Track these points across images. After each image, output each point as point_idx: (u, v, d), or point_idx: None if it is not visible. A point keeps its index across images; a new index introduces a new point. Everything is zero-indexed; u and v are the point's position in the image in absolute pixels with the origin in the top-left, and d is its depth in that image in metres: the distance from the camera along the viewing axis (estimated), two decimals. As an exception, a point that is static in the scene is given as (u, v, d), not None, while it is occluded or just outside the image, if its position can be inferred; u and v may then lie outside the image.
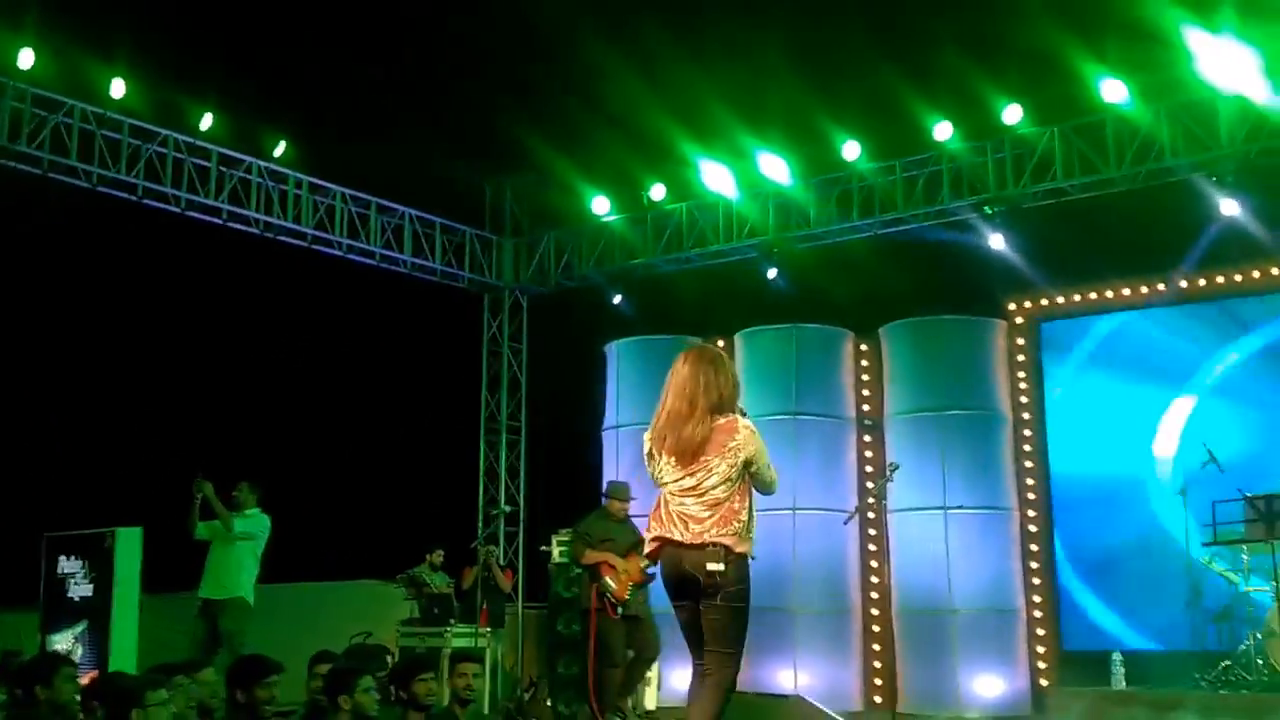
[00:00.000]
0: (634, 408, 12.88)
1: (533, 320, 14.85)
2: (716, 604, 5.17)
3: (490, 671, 11.03)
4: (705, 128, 12.32)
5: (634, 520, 9.67)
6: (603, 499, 10.01)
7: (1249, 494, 9.13)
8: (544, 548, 11.40)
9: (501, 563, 13.18)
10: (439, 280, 14.06)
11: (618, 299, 13.64)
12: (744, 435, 5.18)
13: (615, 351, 13.32)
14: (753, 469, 5.21)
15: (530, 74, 12.73)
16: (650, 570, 9.52)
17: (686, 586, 5.22)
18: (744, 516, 5.18)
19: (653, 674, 11.29)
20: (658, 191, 13.18)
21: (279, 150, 12.25)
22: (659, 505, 5.30)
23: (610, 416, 13.23)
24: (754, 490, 5.34)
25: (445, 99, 13.05)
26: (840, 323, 12.73)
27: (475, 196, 14.66)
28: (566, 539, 10.36)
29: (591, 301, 14.05)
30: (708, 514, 5.15)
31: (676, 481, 5.23)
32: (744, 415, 5.34)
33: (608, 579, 9.30)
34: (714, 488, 5.16)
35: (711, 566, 5.10)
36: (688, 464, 5.19)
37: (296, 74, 12.40)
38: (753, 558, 5.24)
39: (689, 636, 5.30)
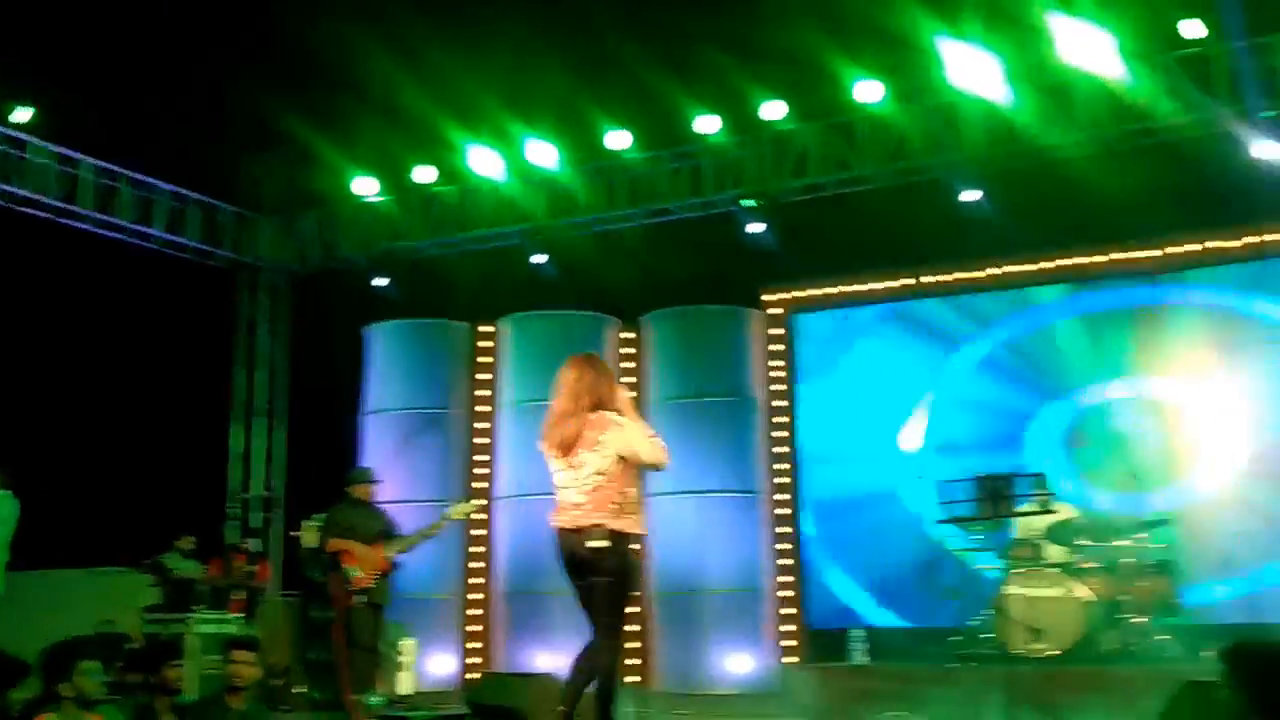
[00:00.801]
0: (395, 392, 12.74)
1: (292, 301, 14.49)
2: (600, 578, 5.68)
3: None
4: (473, 112, 12.31)
5: (383, 507, 9.74)
6: (346, 487, 10.01)
7: (979, 474, 9.62)
8: (294, 533, 11.24)
9: (254, 549, 12.89)
10: (193, 258, 13.58)
11: (380, 281, 13.42)
12: (612, 430, 5.76)
13: (376, 335, 13.12)
14: (627, 457, 5.74)
15: (291, 52, 12.43)
16: (395, 560, 9.60)
17: (578, 566, 5.73)
18: (616, 499, 5.71)
19: (408, 659, 11.23)
20: (424, 174, 13.06)
21: (23, 116, 11.63)
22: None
23: (371, 401, 13.02)
24: (645, 472, 5.95)
25: (206, 72, 12.62)
26: (607, 309, 12.87)
27: (234, 173, 14.22)
28: (317, 524, 10.24)
29: (355, 283, 13.80)
30: (586, 500, 5.71)
31: (560, 472, 5.84)
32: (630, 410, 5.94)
33: (349, 566, 9.34)
34: (589, 476, 5.73)
35: (592, 544, 5.64)
36: (566, 455, 5.80)
37: (43, 37, 11.80)
38: (642, 533, 5.82)
39: (583, 609, 5.78)
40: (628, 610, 5.88)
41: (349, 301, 13.80)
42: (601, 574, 5.69)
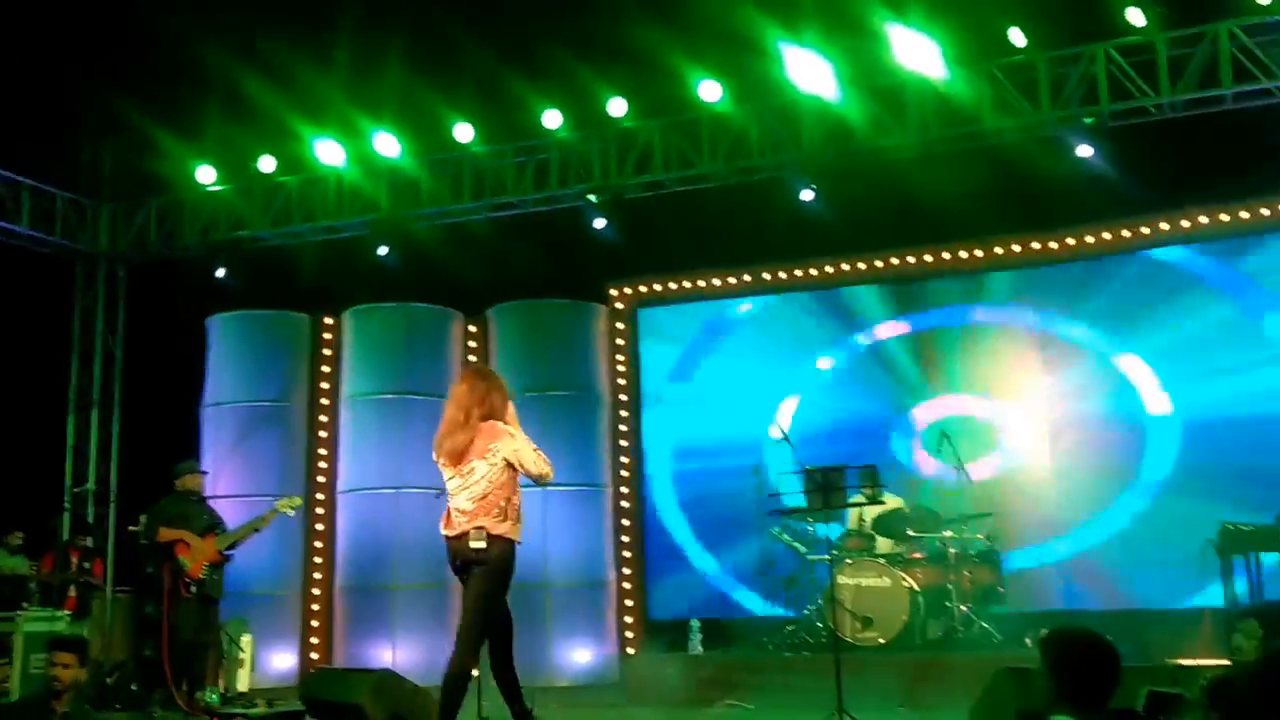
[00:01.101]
0: (235, 384, 12.56)
1: (131, 291, 14.13)
2: (478, 574, 6.06)
3: (73, 657, 10.59)
4: (316, 103, 12.17)
5: (209, 501, 9.80)
6: (174, 480, 9.92)
7: (808, 466, 9.86)
8: (133, 527, 11.00)
9: (89, 544, 12.57)
10: (27, 245, 13.17)
11: (221, 271, 13.19)
12: (503, 439, 6.07)
13: (217, 326, 12.89)
14: (515, 465, 6.07)
15: (132, 39, 12.15)
16: (227, 552, 9.57)
17: (464, 564, 6.11)
18: (502, 504, 6.05)
19: (246, 655, 11.10)
20: (267, 163, 12.87)
21: None
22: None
23: (210, 393, 12.79)
24: (525, 480, 6.23)
25: (44, 57, 12.24)
26: (452, 302, 12.85)
27: (70, 159, 13.80)
28: (153, 518, 10.12)
29: (196, 273, 13.52)
30: (473, 506, 6.04)
31: (450, 480, 6.15)
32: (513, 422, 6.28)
33: (182, 557, 9.32)
34: (477, 483, 6.04)
35: (475, 545, 6.00)
36: (457, 464, 6.11)
37: None
38: (519, 541, 6.17)
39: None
40: (492, 606, 6.16)
41: (189, 292, 13.52)
42: (484, 570, 6.04)
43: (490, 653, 6.40)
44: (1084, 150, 10.66)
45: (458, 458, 6.11)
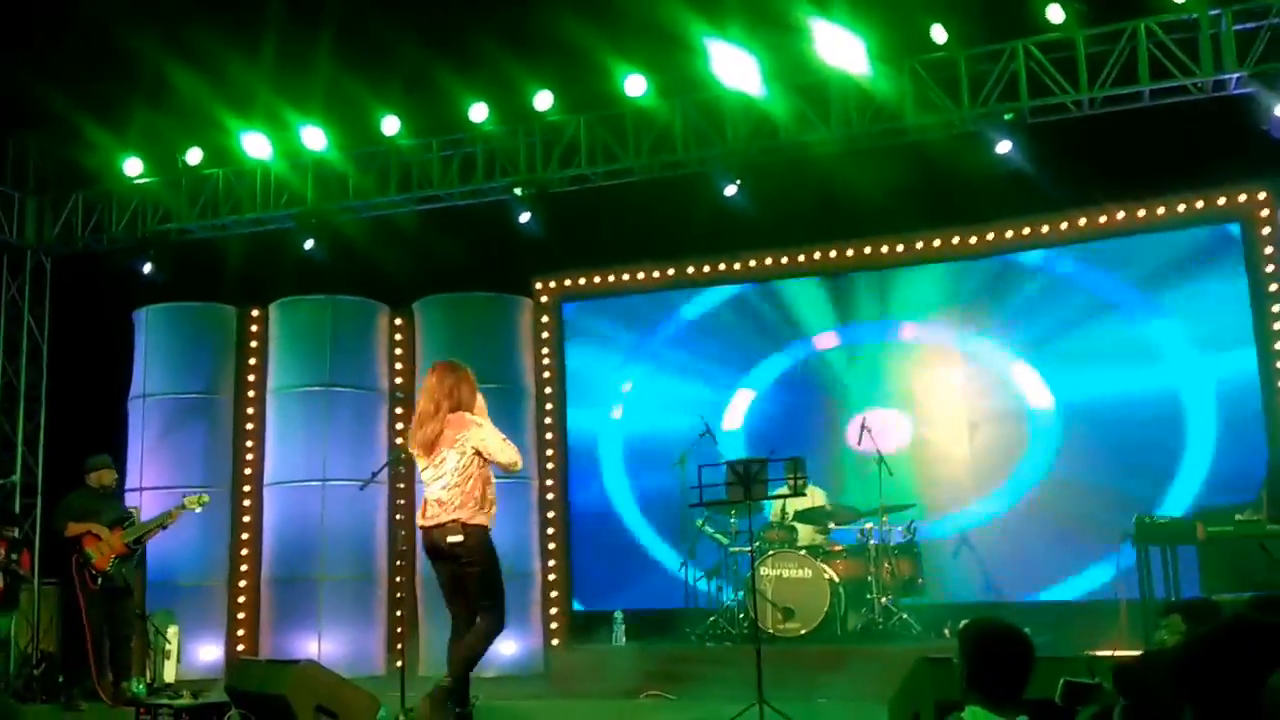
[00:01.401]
0: (162, 376, 12.49)
1: (58, 283, 14.00)
2: (467, 569, 6.43)
3: (3, 649, 10.71)
4: (242, 95, 12.11)
5: (119, 495, 10.12)
6: (85, 474, 9.96)
7: (731, 459, 9.96)
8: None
9: (16, 535, 12.49)
10: (-52, 237, 13.04)
11: (149, 265, 13.08)
12: (471, 429, 6.36)
13: (144, 318, 12.81)
14: (483, 453, 6.37)
15: (57, 29, 12.05)
16: (133, 544, 9.63)
17: (439, 554, 6.49)
18: (477, 494, 6.36)
19: (173, 646, 11.10)
20: (194, 155, 12.80)
21: None
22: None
23: (137, 385, 12.71)
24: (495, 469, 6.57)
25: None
26: (379, 295, 12.84)
27: (-5, 151, 13.68)
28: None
29: (122, 265, 13.40)
30: (448, 496, 6.34)
31: (424, 470, 6.47)
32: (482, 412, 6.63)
33: (89, 550, 9.42)
34: (450, 473, 6.33)
35: (451, 539, 6.33)
36: (429, 455, 6.40)
37: None
38: (491, 527, 6.52)
39: (446, 594, 6.69)
40: (502, 589, 6.60)
41: (116, 284, 13.43)
42: (472, 564, 6.40)
43: (456, 631, 6.74)
44: (1003, 146, 10.79)
45: (429, 448, 6.38)
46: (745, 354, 12.63)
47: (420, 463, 6.49)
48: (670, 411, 12.32)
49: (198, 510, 10.03)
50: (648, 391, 12.76)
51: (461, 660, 6.59)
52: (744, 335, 12.69)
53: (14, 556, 11.62)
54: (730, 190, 11.45)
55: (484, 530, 6.43)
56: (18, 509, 13.34)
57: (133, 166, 12.99)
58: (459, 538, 6.33)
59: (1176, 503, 10.80)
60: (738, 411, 12.54)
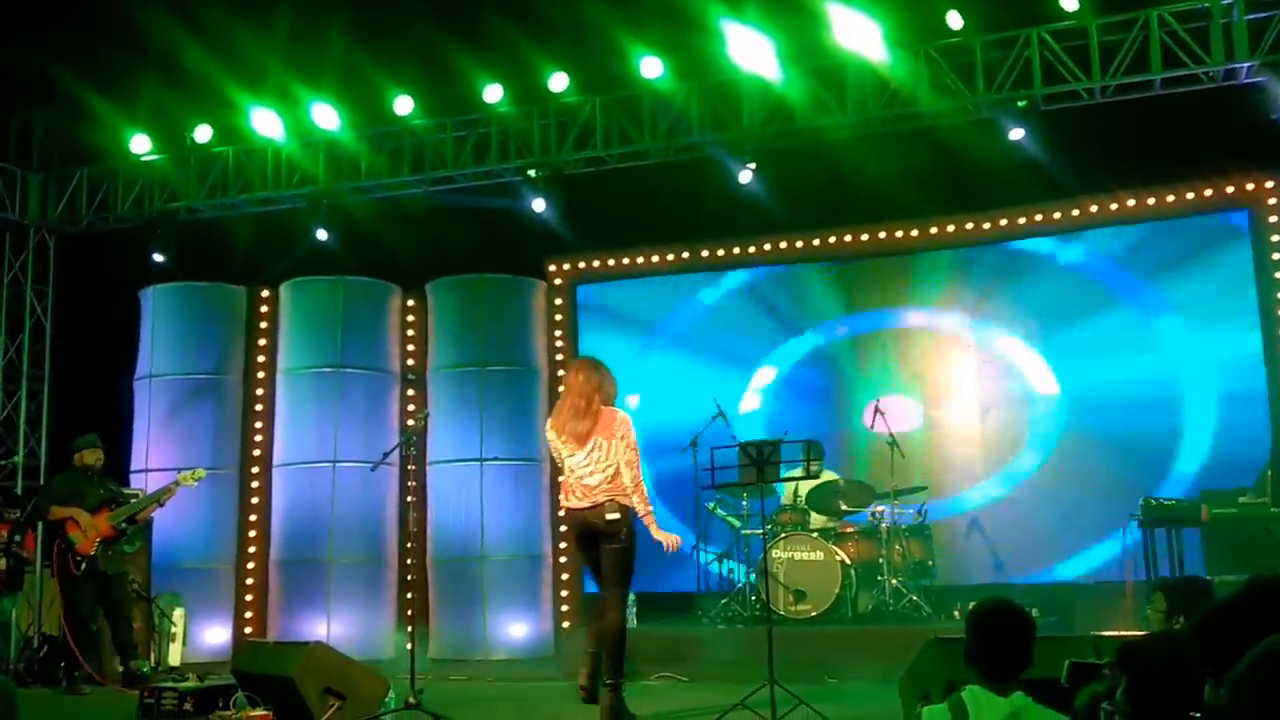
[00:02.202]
0: (170, 357, 12.39)
1: (62, 262, 13.93)
2: (612, 546, 6.94)
3: (4, 632, 10.54)
4: (253, 73, 12.04)
5: (107, 475, 9.88)
6: (72, 455, 9.84)
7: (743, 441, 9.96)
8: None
9: (19, 517, 12.42)
10: (-50, 214, 12.96)
11: (160, 256, 12.98)
12: (621, 422, 7.01)
13: (151, 298, 12.71)
14: (626, 444, 6.94)
15: (62, 2, 11.95)
16: (122, 526, 9.53)
17: (590, 538, 7.04)
18: (626, 480, 6.91)
19: (178, 629, 11.04)
20: (203, 133, 12.72)
21: None
22: (566, 480, 7.11)
23: (143, 365, 12.62)
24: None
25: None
26: (390, 277, 12.78)
27: (1, 128, 13.57)
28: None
29: (129, 244, 13.34)
30: (600, 480, 6.91)
31: (572, 456, 7.02)
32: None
33: (72, 535, 9.32)
34: (602, 460, 6.93)
35: (610, 516, 6.89)
36: (583, 445, 6.97)
37: None
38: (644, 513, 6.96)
39: (596, 578, 7.16)
40: (632, 565, 7.02)
41: (123, 263, 13.36)
42: (616, 541, 6.92)
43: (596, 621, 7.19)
44: (1016, 133, 10.82)
45: (583, 440, 6.96)
46: (759, 339, 12.63)
47: (568, 449, 7.01)
48: (684, 396, 12.28)
49: (193, 485, 9.91)
50: (661, 376, 12.72)
51: (608, 661, 6.96)
52: (757, 320, 12.69)
53: (17, 539, 11.57)
54: (745, 175, 11.44)
55: (631, 513, 6.96)
56: (20, 490, 13.28)
57: (140, 144, 12.91)
58: (616, 515, 6.88)
59: (1175, 486, 10.89)
60: (752, 396, 12.53)
